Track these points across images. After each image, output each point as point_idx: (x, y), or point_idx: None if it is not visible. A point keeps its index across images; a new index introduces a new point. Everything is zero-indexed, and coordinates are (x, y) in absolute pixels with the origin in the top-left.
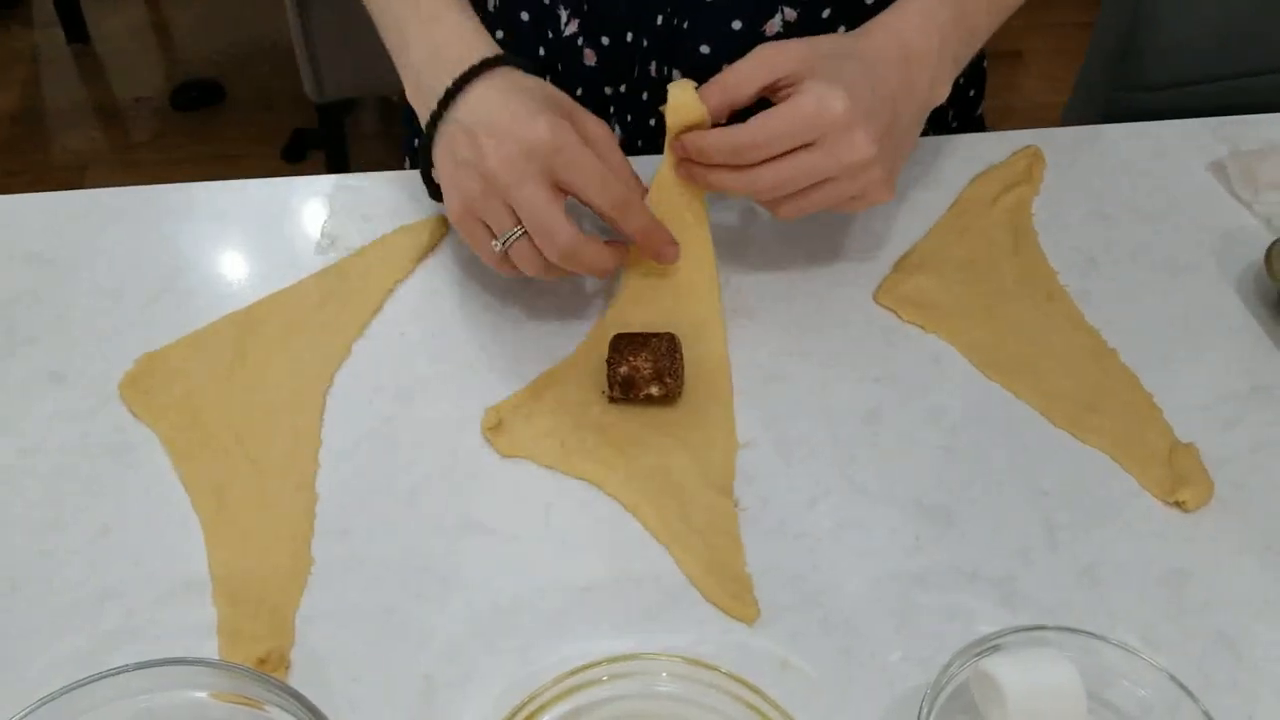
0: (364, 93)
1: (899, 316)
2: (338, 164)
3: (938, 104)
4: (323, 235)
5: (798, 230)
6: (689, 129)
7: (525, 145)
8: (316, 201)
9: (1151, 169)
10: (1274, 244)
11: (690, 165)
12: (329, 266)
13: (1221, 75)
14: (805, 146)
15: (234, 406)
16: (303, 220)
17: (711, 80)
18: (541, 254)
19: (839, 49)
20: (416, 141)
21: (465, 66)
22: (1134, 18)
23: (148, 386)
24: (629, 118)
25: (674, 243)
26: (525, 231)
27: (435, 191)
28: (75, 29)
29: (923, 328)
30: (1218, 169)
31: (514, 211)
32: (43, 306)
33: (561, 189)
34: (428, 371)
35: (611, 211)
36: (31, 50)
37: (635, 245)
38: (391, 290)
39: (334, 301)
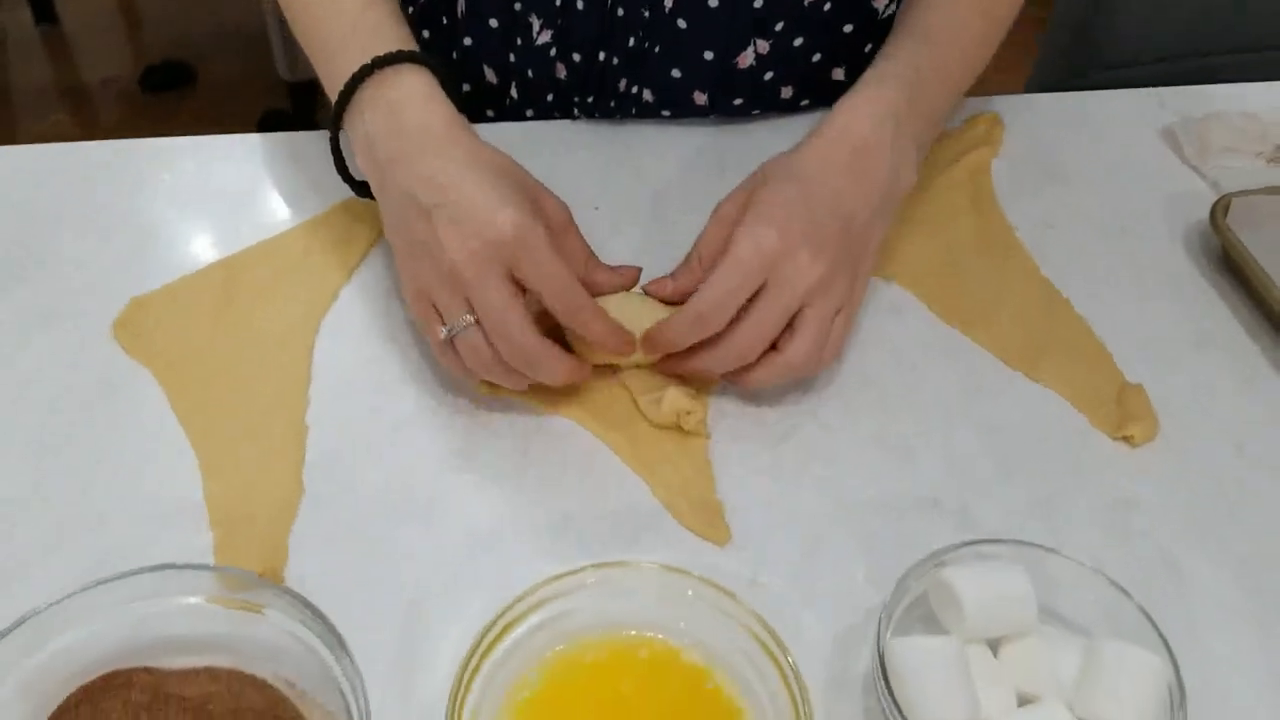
0: None
1: None
2: None
3: (907, 189)
4: None
5: None
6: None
7: (488, 241)
8: (298, 158)
9: (1105, 135)
10: (1218, 201)
11: (669, 361)
12: (312, 218)
13: (1176, 55)
14: (761, 291)
15: (224, 347)
16: (286, 175)
17: (683, 264)
18: (490, 351)
19: (780, 170)
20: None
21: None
22: None
23: (139, 329)
24: (595, 115)
25: (630, 342)
26: (475, 323)
27: (361, 189)
28: (43, 10)
29: (886, 278)
30: (1168, 135)
31: (470, 305)
32: (31, 254)
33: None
34: (413, 317)
35: (565, 319)
36: None
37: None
38: (376, 241)
39: (320, 250)
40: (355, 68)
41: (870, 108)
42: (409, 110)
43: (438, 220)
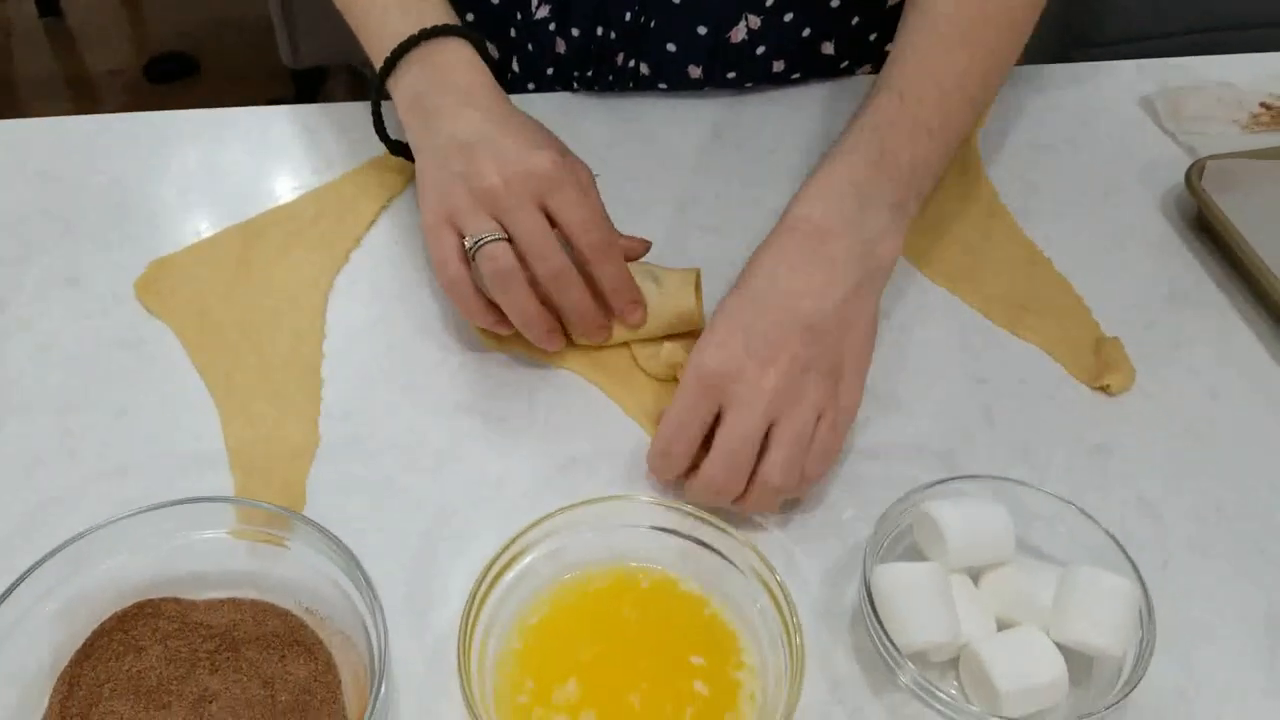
0: (340, 60)
1: None
2: None
3: (892, 256)
4: None
5: (766, 159)
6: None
7: (528, 170)
8: (308, 130)
9: (1087, 104)
10: (1193, 164)
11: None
12: (323, 185)
13: (1164, 32)
14: (719, 416)
15: (241, 306)
16: (296, 147)
17: None
18: (509, 261)
19: (740, 280)
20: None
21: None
22: None
23: (160, 288)
24: (594, 88)
25: (640, 304)
26: (503, 238)
27: (394, 147)
28: (47, 2)
29: None
30: (1146, 104)
31: (500, 227)
32: (54, 220)
33: (550, 221)
34: (421, 278)
35: (590, 252)
36: (3, 23)
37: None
38: (386, 205)
39: (330, 216)
40: (402, 34)
41: (820, 190)
42: (455, 73)
43: (480, 152)
